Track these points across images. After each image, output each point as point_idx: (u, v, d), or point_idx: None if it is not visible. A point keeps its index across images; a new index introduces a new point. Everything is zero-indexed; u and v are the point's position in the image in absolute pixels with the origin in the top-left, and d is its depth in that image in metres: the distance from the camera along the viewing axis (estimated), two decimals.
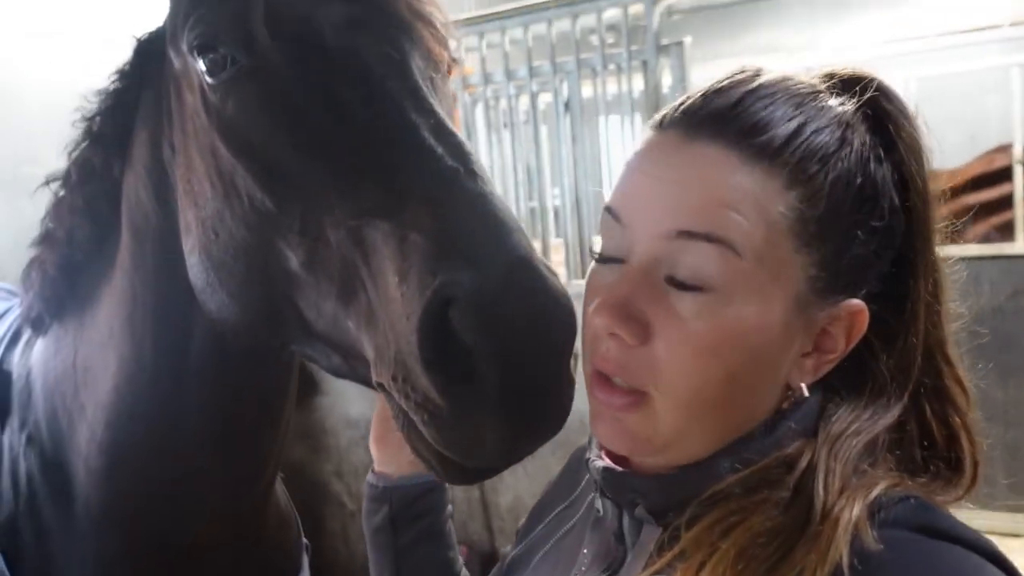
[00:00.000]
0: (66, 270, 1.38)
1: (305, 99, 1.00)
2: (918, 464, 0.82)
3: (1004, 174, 4.59)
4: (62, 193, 1.37)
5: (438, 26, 1.11)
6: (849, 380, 0.83)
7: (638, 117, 3.78)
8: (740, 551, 0.71)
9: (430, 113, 0.97)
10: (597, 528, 0.92)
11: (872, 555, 0.67)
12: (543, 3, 3.85)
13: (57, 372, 1.40)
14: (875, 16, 6.19)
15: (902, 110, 0.83)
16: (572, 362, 0.85)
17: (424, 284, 0.82)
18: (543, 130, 4.12)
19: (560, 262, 4.05)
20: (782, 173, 0.76)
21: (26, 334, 1.53)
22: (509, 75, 3.93)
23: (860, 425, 0.79)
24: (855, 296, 0.80)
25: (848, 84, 0.82)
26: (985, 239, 4.55)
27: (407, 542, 1.17)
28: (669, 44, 3.56)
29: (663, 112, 0.84)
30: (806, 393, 0.82)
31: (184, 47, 1.10)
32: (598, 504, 0.92)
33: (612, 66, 3.72)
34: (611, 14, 3.71)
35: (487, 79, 3.96)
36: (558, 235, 4.37)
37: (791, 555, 0.69)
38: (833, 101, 0.80)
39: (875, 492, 0.73)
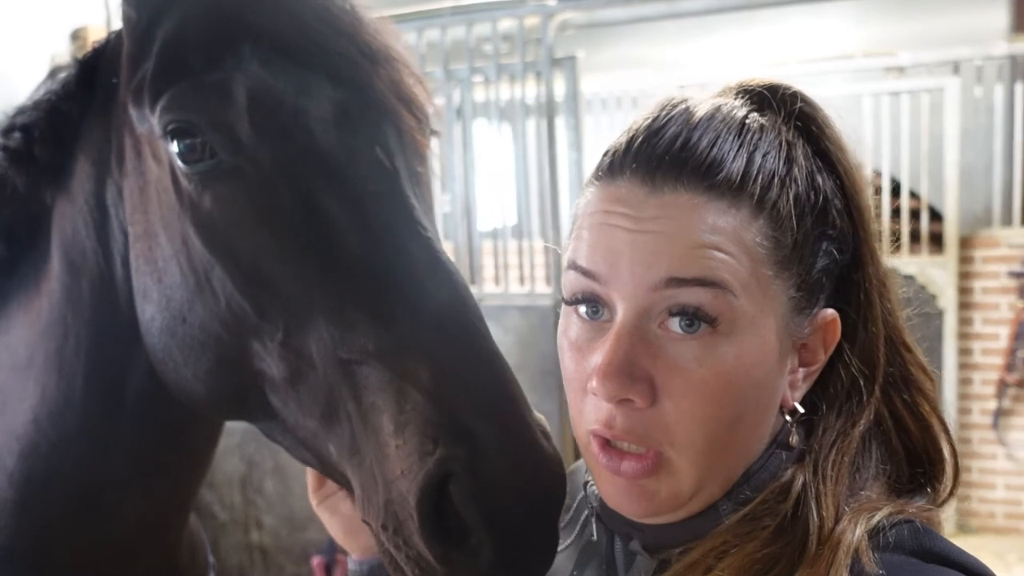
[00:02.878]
0: None
1: (293, 211, 0.94)
2: (905, 472, 0.83)
3: None
4: None
5: (424, 107, 1.08)
6: (819, 386, 0.84)
7: (530, 125, 3.87)
8: (736, 574, 0.74)
9: (426, 244, 0.94)
10: (589, 551, 0.92)
11: None
12: (438, 10, 3.87)
13: None
14: (735, 36, 6.58)
15: (823, 113, 0.84)
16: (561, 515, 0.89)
17: (424, 450, 0.84)
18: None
19: None
20: (748, 204, 0.77)
21: None
22: None
23: (838, 436, 0.80)
24: (823, 304, 0.82)
25: (767, 96, 0.83)
26: None
27: None
28: (562, 57, 3.66)
29: (607, 159, 0.83)
30: (801, 410, 0.82)
31: (155, 123, 1.01)
32: (592, 528, 0.91)
33: (505, 76, 3.78)
34: (506, 25, 3.77)
35: None
36: (447, 238, 4.40)
37: None
38: (766, 120, 0.81)
39: (878, 517, 0.74)
